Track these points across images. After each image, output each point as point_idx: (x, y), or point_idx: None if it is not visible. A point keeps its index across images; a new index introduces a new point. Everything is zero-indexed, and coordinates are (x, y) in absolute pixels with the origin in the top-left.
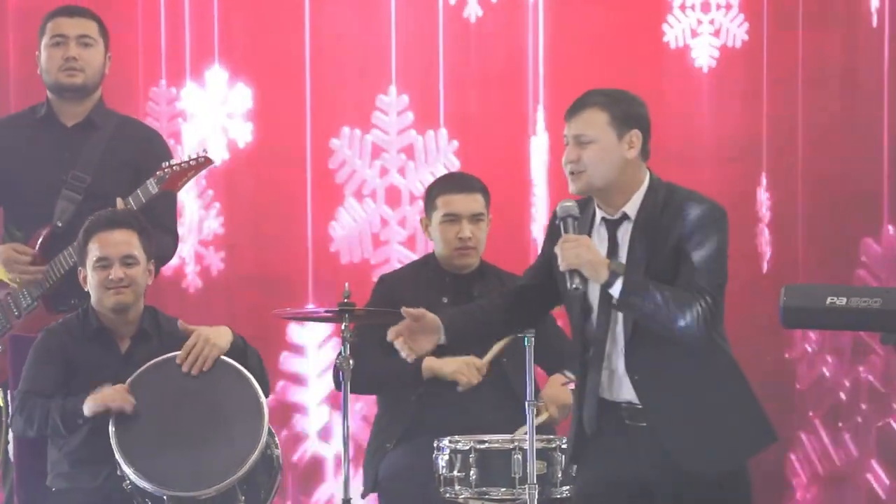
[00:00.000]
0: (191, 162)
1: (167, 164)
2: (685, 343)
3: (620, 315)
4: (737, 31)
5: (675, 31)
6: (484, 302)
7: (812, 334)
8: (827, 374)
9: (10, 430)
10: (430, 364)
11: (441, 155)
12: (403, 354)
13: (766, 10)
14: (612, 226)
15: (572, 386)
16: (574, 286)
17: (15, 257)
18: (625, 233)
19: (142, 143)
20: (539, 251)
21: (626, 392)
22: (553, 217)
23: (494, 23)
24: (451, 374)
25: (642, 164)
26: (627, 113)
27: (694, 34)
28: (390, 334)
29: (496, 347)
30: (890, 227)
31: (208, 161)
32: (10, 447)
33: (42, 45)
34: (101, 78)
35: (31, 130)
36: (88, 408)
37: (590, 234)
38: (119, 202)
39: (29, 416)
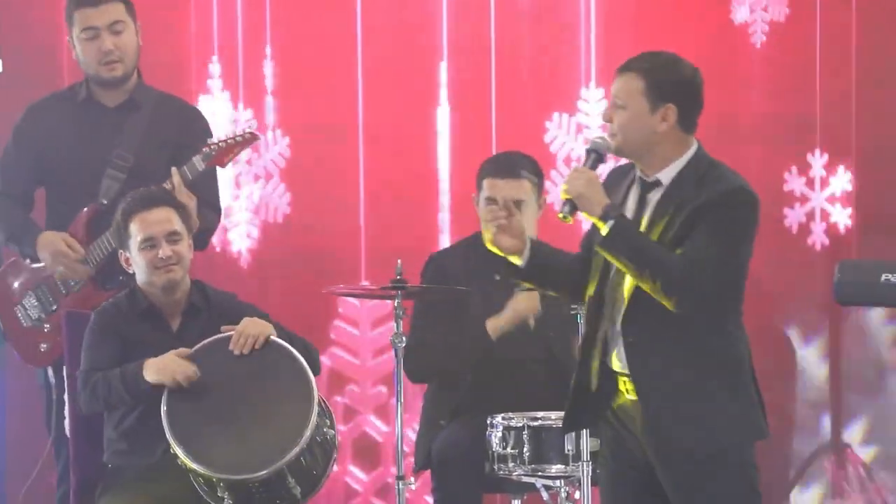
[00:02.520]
0: (237, 138)
1: (214, 140)
2: (680, 312)
3: (628, 277)
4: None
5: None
6: (567, 252)
7: None
8: None
9: (64, 406)
10: (493, 323)
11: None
12: (491, 232)
13: None
14: (646, 188)
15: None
16: (561, 213)
17: (64, 251)
18: (653, 197)
19: (182, 120)
20: None
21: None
22: (606, 180)
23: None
24: (517, 312)
25: (685, 136)
26: (667, 84)
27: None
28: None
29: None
30: None
31: (254, 137)
32: (66, 423)
33: (73, 35)
34: (138, 57)
35: (73, 111)
36: (150, 374)
37: (627, 192)
38: (174, 171)
39: (93, 390)
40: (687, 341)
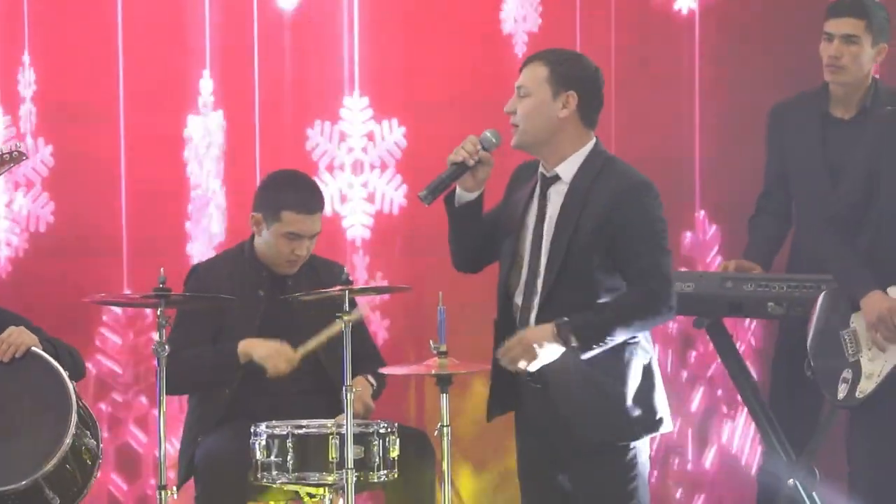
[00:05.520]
0: (4, 156)
1: None
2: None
3: (542, 268)
4: None
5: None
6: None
7: None
8: None
9: None
10: (246, 346)
11: None
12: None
13: None
14: (546, 183)
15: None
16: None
17: None
18: (554, 192)
19: None
20: None
21: None
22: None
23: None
24: (260, 359)
25: (586, 130)
26: (569, 73)
27: None
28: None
29: (312, 342)
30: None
31: (21, 155)
32: None
33: None
34: None
35: None
36: None
37: (532, 191)
38: None
39: None
40: None
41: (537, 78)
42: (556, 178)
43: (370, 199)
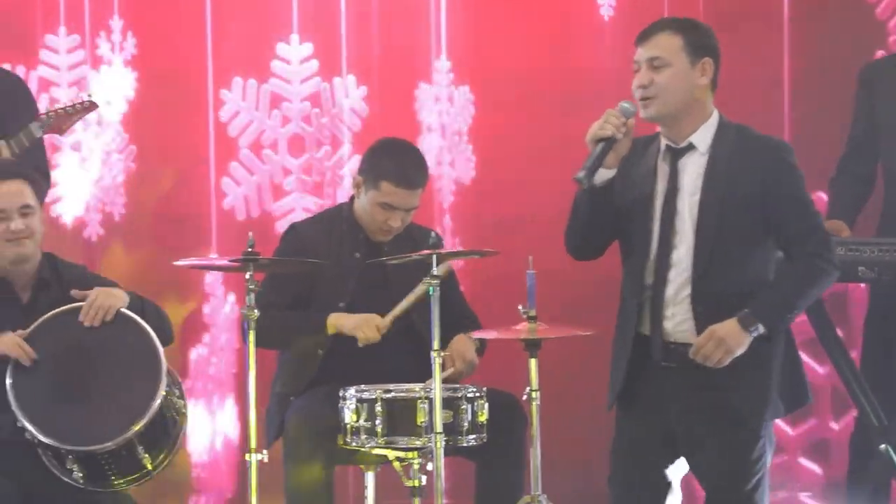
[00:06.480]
0: (76, 106)
1: (52, 108)
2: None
3: (677, 240)
4: None
5: None
6: None
7: None
8: None
9: None
10: (334, 320)
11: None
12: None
13: None
14: (676, 154)
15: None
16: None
17: None
18: (689, 163)
19: (4, 90)
20: None
21: (678, 327)
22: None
23: None
24: (350, 330)
25: (711, 95)
26: (701, 40)
27: None
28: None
29: (400, 306)
30: None
31: (93, 105)
32: None
33: None
34: None
35: None
36: None
37: (655, 167)
38: (2, 145)
39: None
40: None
41: (673, 47)
42: (689, 147)
43: (452, 164)
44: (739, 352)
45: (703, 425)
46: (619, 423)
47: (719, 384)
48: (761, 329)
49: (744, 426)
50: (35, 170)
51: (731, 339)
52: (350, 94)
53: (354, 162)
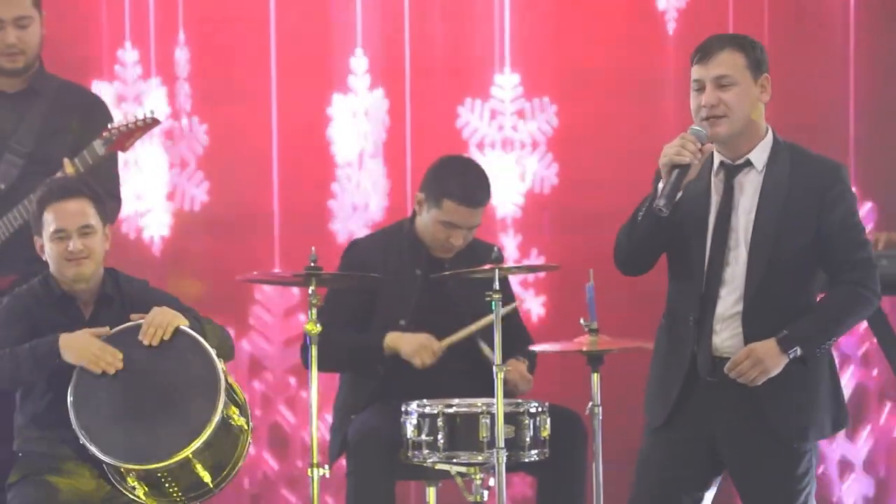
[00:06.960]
0: (138, 122)
1: (114, 125)
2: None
3: (743, 263)
4: None
5: None
6: None
7: None
8: None
9: None
10: (392, 340)
11: None
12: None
13: None
14: (731, 171)
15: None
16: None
17: None
18: (745, 180)
19: (84, 109)
20: None
21: (726, 342)
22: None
23: None
24: (406, 354)
25: (763, 111)
26: (760, 57)
27: None
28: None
29: (460, 334)
30: None
31: (155, 121)
32: None
33: None
34: (41, 49)
35: None
36: (69, 355)
37: (709, 183)
38: (66, 163)
39: None
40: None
41: (738, 65)
42: (746, 164)
43: (521, 177)
44: (775, 372)
45: (747, 442)
46: (654, 438)
47: (765, 403)
48: (799, 352)
49: (789, 445)
50: (103, 189)
51: (770, 359)
52: None
53: None
